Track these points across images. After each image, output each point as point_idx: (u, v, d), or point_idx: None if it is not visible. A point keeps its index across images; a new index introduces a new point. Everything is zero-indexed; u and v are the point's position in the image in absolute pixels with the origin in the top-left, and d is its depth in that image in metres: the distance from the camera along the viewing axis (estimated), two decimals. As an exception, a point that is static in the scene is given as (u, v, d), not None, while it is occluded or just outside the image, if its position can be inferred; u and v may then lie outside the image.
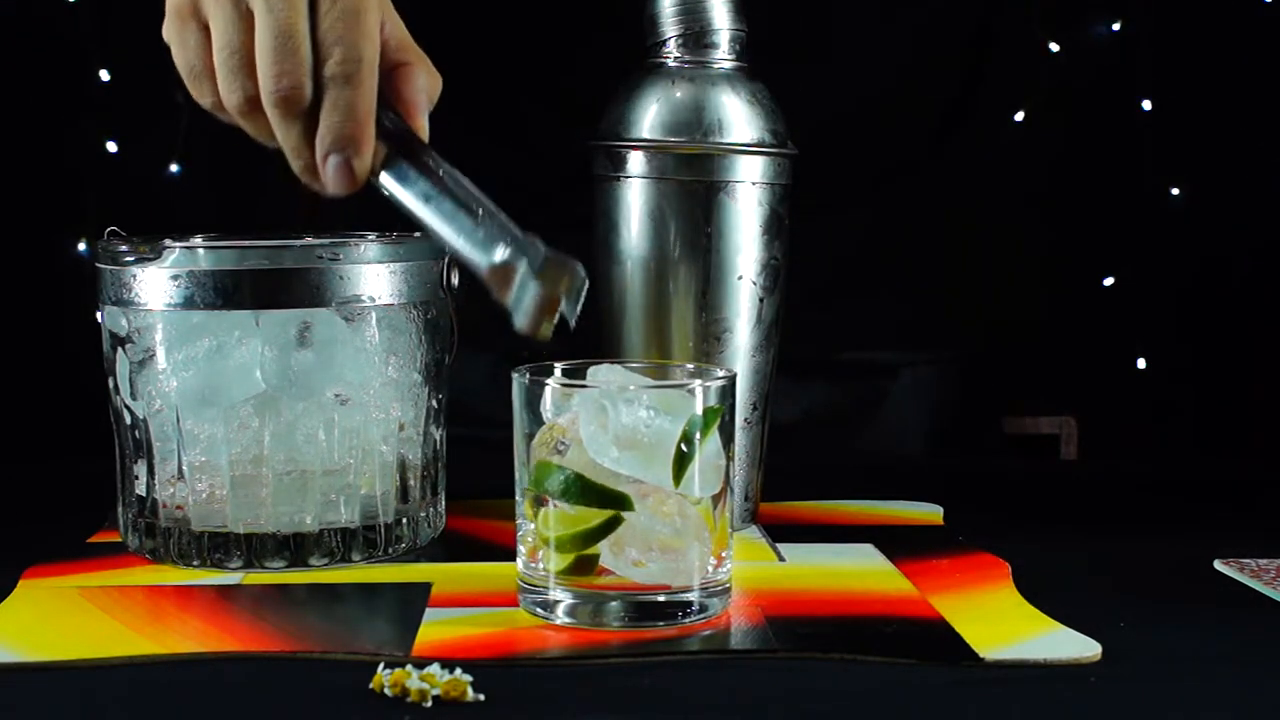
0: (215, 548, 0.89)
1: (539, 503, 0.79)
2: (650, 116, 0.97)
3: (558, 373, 0.83)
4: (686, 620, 0.79)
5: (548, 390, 0.80)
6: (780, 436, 1.06)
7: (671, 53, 0.97)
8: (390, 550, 0.92)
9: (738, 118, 0.97)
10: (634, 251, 0.98)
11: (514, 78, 1.35)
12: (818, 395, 1.43)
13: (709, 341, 0.98)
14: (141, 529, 0.91)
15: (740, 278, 0.97)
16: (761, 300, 0.98)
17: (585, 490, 0.77)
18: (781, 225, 0.99)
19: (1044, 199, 2.10)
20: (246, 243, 0.89)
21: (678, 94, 0.97)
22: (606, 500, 0.77)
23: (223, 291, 0.87)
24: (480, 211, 0.78)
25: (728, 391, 0.81)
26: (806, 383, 1.39)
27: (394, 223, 0.97)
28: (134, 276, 0.89)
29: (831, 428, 1.41)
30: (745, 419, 0.99)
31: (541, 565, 0.80)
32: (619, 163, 0.97)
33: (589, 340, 0.99)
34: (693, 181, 0.96)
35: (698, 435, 0.78)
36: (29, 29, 1.55)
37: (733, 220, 0.97)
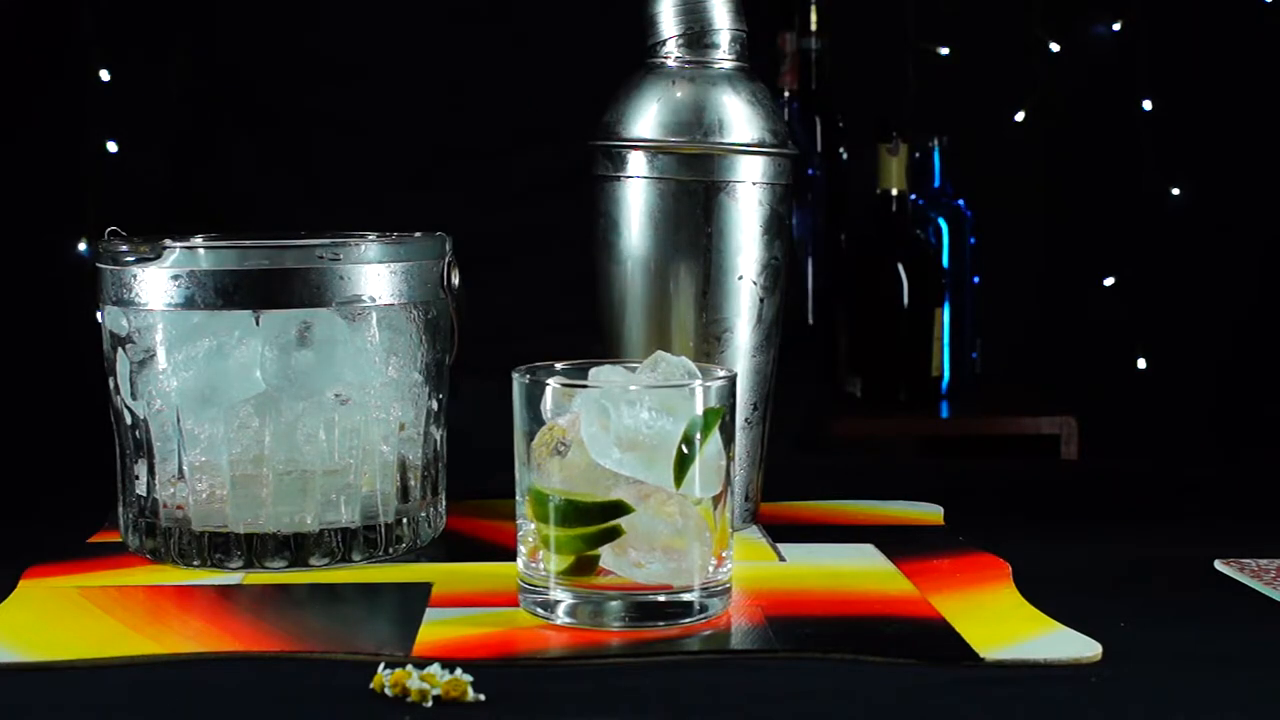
0: (215, 548, 0.89)
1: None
2: (650, 116, 0.96)
3: (558, 373, 0.83)
4: (687, 620, 0.79)
5: (548, 390, 0.80)
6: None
7: (671, 53, 0.97)
8: (390, 550, 0.92)
9: (738, 118, 0.96)
10: (634, 251, 0.98)
11: (514, 77, 1.35)
12: None
13: (709, 341, 0.98)
14: (142, 529, 0.91)
15: (740, 278, 0.97)
16: (762, 300, 0.98)
17: (579, 513, 0.77)
18: (782, 225, 0.99)
19: (1044, 199, 2.10)
20: (246, 243, 0.89)
21: (678, 94, 0.97)
22: (604, 514, 0.77)
23: (223, 291, 0.87)
24: None
25: (728, 392, 0.81)
26: None
27: (393, 223, 0.97)
28: (134, 276, 0.89)
29: None
30: (746, 419, 0.99)
31: (542, 565, 0.79)
32: (619, 163, 0.97)
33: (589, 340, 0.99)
34: (693, 181, 0.96)
35: (698, 436, 0.78)
36: (29, 29, 1.55)
37: (733, 220, 0.97)
